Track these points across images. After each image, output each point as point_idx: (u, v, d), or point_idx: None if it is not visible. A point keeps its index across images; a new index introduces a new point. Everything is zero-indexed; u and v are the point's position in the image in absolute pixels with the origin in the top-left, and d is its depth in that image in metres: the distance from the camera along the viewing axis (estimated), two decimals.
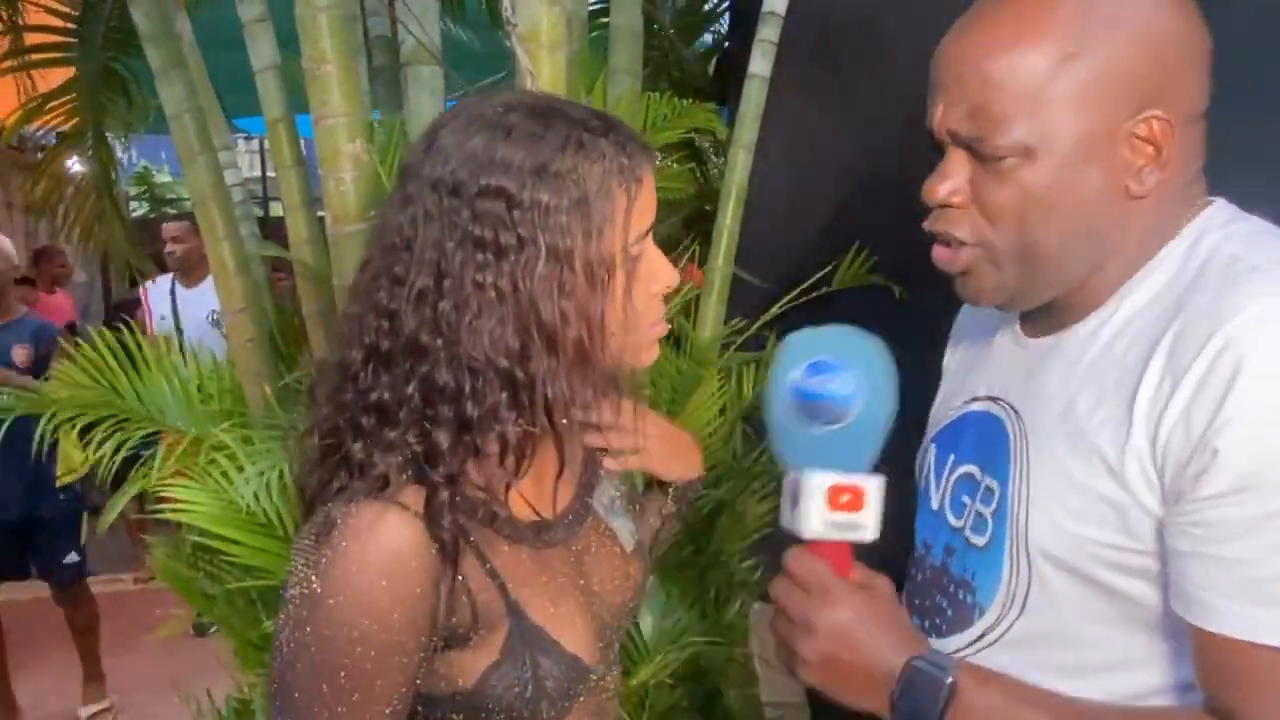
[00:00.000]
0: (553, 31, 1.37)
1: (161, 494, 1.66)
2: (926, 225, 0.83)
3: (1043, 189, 0.76)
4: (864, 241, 1.98)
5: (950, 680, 0.74)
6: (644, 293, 0.81)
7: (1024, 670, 0.79)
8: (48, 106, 2.92)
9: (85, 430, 1.86)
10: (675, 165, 2.16)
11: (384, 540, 0.75)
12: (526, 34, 1.36)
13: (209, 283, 3.80)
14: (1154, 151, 0.75)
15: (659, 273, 0.83)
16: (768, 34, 2.06)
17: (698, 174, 3.03)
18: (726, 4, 3.17)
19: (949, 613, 0.88)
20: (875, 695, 0.77)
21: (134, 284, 6.06)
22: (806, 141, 2.21)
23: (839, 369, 0.78)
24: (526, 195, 0.75)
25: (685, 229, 2.64)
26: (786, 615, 0.79)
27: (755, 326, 2.07)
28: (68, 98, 2.85)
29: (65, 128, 3.05)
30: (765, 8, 2.07)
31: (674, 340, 2.06)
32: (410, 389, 0.77)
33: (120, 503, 1.72)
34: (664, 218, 2.86)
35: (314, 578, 0.75)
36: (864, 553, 0.82)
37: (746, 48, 2.19)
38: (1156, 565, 0.75)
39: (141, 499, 1.78)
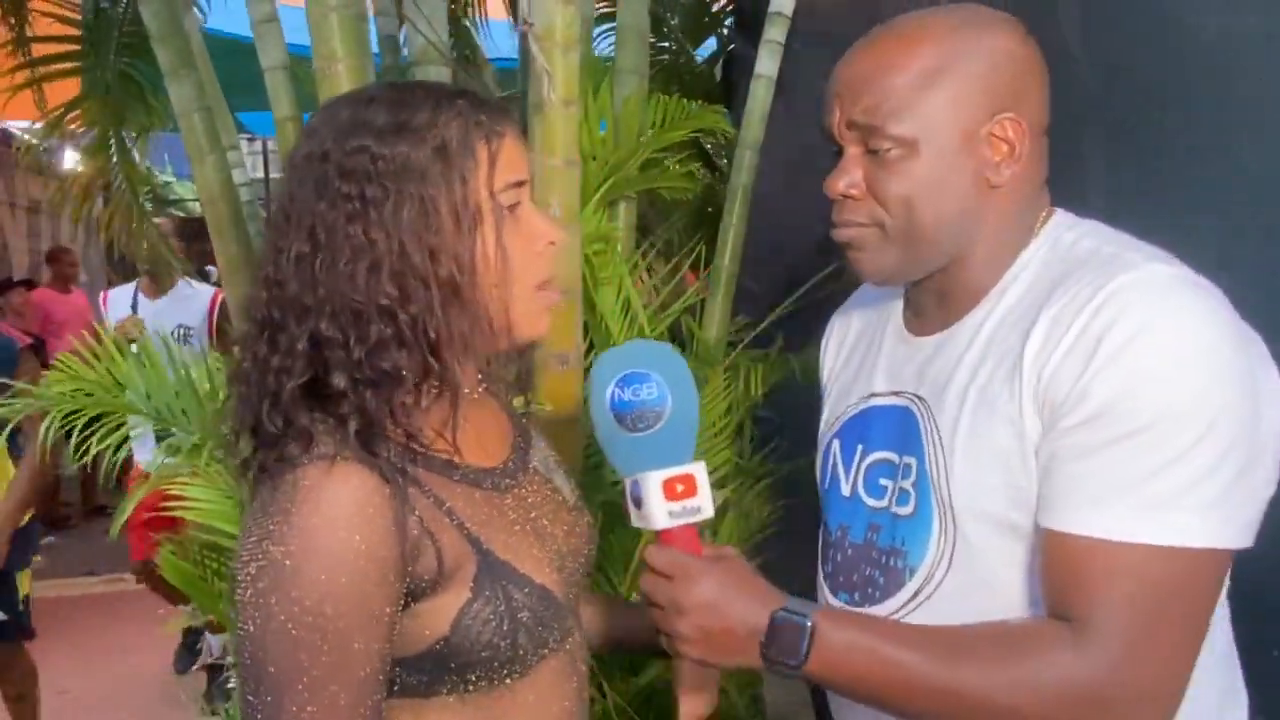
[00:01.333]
0: (568, 31, 1.38)
1: (169, 492, 1.66)
2: (832, 215, 0.96)
3: (924, 177, 0.90)
4: None
5: (809, 624, 0.83)
6: (524, 248, 0.86)
7: (956, 620, 0.87)
8: (69, 116, 2.93)
9: (85, 427, 1.87)
10: (680, 166, 2.16)
11: (337, 492, 0.76)
12: (542, 33, 1.37)
13: (177, 294, 3.77)
14: (1009, 149, 0.90)
15: (538, 229, 0.88)
16: (774, 35, 2.07)
17: (703, 174, 3.03)
18: (733, 5, 3.17)
19: (881, 580, 0.96)
20: (749, 652, 0.85)
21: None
22: (813, 141, 2.21)
23: (647, 378, 0.88)
24: (388, 149, 0.81)
25: (691, 229, 2.64)
26: (657, 604, 0.87)
27: (761, 326, 2.07)
28: (87, 105, 2.85)
29: (79, 130, 3.06)
30: (772, 8, 2.08)
31: (680, 340, 2.07)
32: (301, 347, 0.82)
33: (130, 504, 1.72)
34: (669, 217, 2.86)
35: (270, 546, 0.75)
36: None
37: (753, 48, 2.20)
38: None
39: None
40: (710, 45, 3.38)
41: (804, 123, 2.25)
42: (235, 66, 2.60)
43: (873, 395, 1.02)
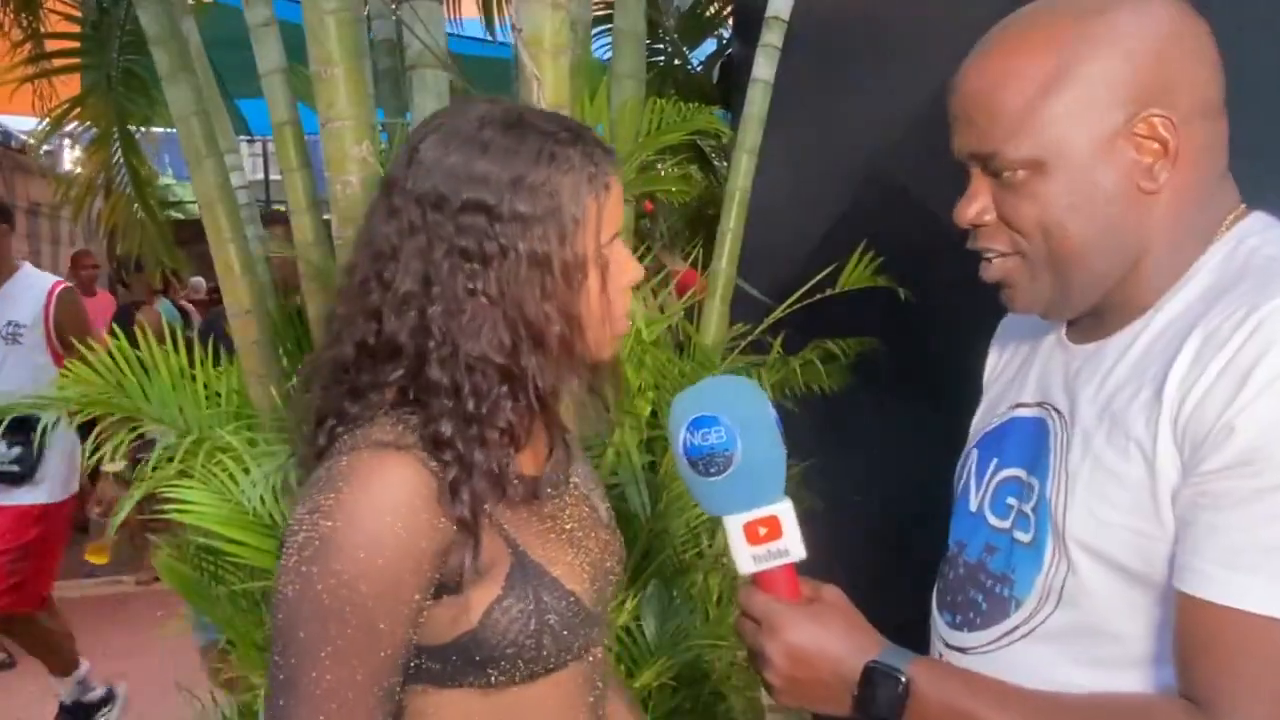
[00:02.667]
0: (556, 36, 1.38)
1: (166, 495, 1.66)
2: (969, 245, 0.89)
3: (1059, 197, 0.81)
4: (867, 244, 1.99)
5: (904, 680, 0.78)
6: (615, 288, 0.89)
7: (1058, 662, 0.82)
8: (71, 113, 2.93)
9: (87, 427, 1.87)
10: (678, 169, 2.16)
11: (389, 479, 0.80)
12: (530, 39, 1.37)
13: (14, 285, 3.22)
14: (1160, 148, 0.79)
15: (627, 269, 0.90)
16: (771, 39, 2.07)
17: (701, 177, 3.04)
18: (730, 8, 3.17)
19: (984, 607, 0.90)
20: (841, 703, 0.81)
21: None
22: (810, 145, 2.22)
23: (715, 421, 0.84)
24: (505, 207, 0.83)
25: (688, 232, 2.65)
26: (750, 649, 0.85)
27: (758, 330, 2.07)
28: (90, 102, 2.86)
29: (81, 129, 3.06)
30: (769, 12, 2.08)
31: (677, 343, 2.07)
32: (392, 379, 0.85)
33: (128, 504, 1.72)
34: (667, 221, 2.87)
35: (320, 520, 0.79)
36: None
37: (750, 52, 2.20)
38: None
39: (142, 501, 1.78)
40: (708, 47, 3.39)
41: (802, 126, 2.26)
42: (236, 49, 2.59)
43: (1019, 405, 0.94)
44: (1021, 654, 0.85)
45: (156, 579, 4.57)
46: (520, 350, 0.84)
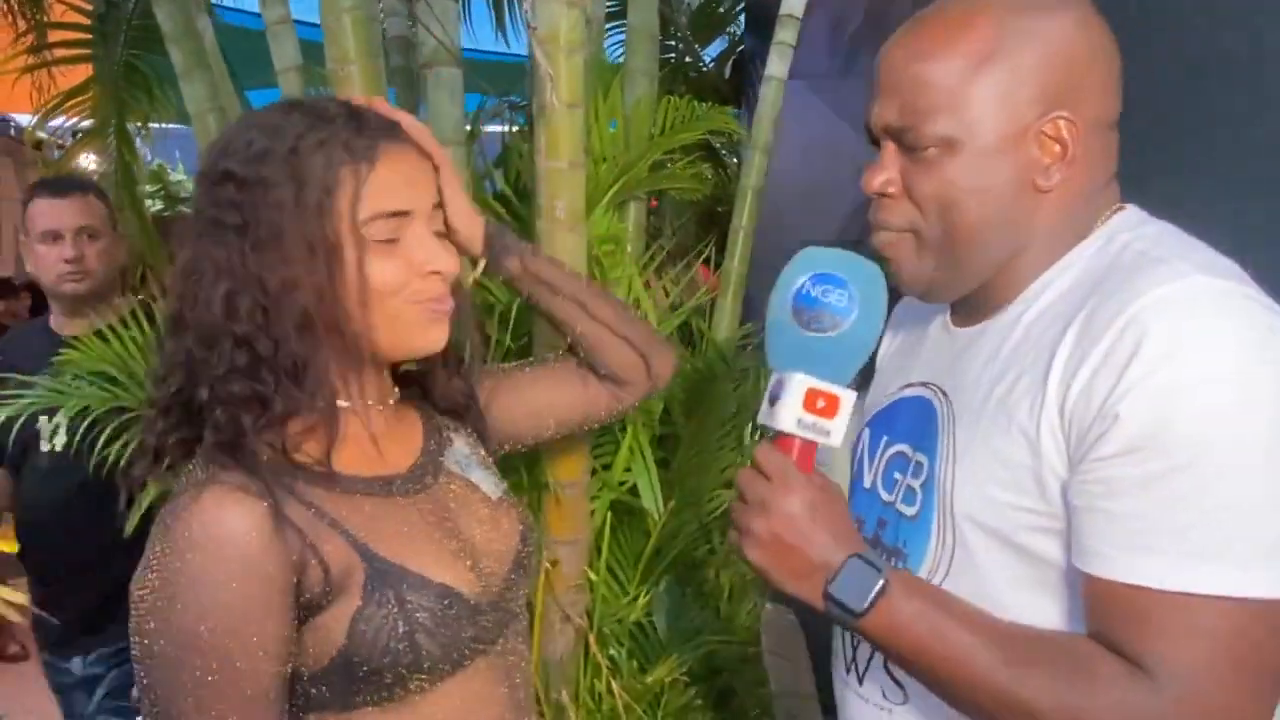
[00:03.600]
0: (571, 34, 1.38)
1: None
2: (869, 215, 0.91)
3: (963, 179, 0.84)
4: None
5: (883, 578, 0.80)
6: (395, 272, 0.85)
7: None
8: (69, 104, 2.95)
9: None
10: (690, 167, 2.17)
11: (208, 517, 0.77)
12: (546, 36, 1.37)
13: None
14: (1060, 150, 0.83)
15: (418, 258, 0.87)
16: (785, 36, 2.07)
17: (712, 175, 3.04)
18: (742, 6, 3.17)
19: None
20: (811, 583, 0.82)
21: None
22: (822, 143, 2.22)
23: (844, 284, 0.84)
24: (250, 175, 0.82)
25: (700, 230, 2.65)
26: (744, 498, 0.84)
27: None
28: (89, 94, 2.87)
29: (85, 124, 3.07)
30: (783, 10, 2.08)
31: (689, 340, 2.07)
32: (179, 360, 0.85)
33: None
34: (679, 218, 2.87)
35: (150, 574, 0.77)
36: None
37: (762, 49, 2.20)
38: (1064, 527, 0.81)
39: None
40: (718, 45, 3.39)
41: (814, 125, 2.26)
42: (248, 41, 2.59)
43: (907, 385, 0.98)
44: None
45: None
46: (267, 323, 0.82)
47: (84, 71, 3.04)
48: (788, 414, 0.83)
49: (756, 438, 2.09)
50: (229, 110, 2.04)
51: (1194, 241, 0.84)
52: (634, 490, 1.76)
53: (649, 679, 1.61)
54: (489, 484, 0.99)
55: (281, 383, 0.83)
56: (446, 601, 0.85)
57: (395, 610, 0.82)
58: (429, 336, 0.89)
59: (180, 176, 8.77)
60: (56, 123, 3.33)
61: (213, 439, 0.82)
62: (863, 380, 0.96)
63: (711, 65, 3.26)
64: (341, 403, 0.89)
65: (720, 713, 1.84)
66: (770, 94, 2.07)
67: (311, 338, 0.83)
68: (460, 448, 1.00)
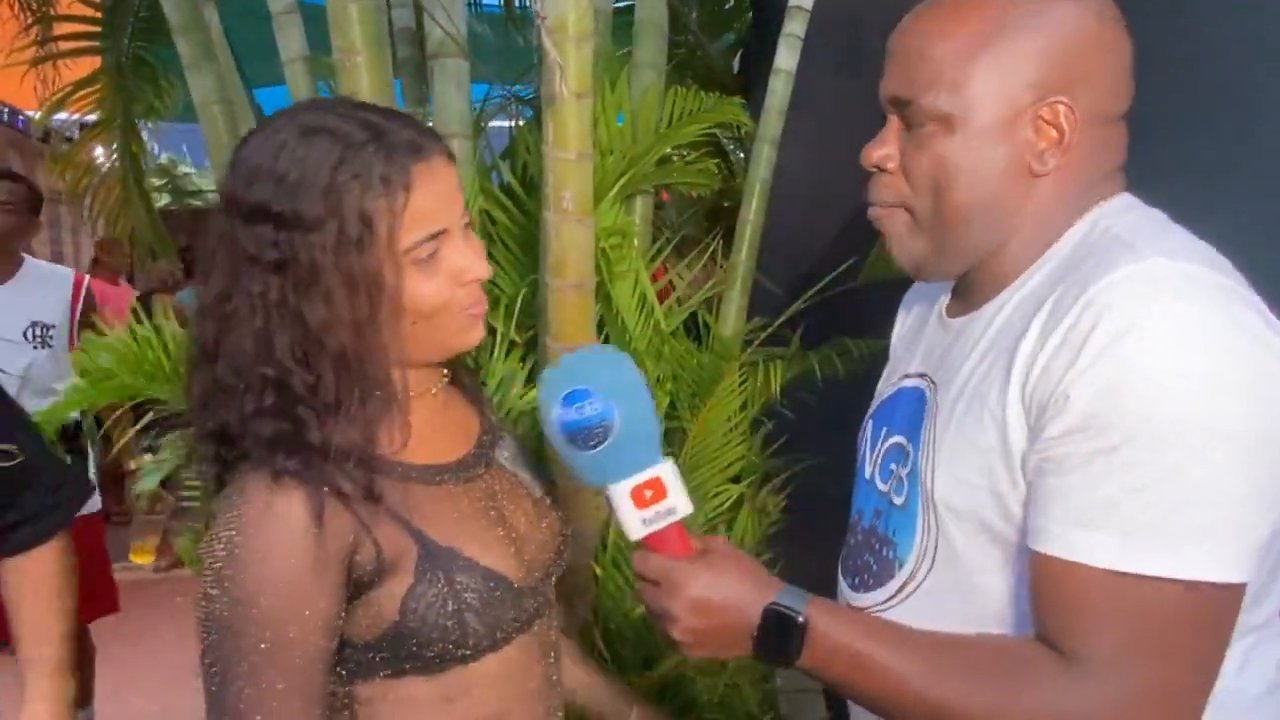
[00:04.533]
0: (580, 24, 1.38)
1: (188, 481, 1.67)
2: (867, 191, 0.91)
3: (956, 157, 0.84)
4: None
5: (801, 620, 0.81)
6: (441, 289, 0.86)
7: (937, 620, 0.84)
8: (76, 96, 2.95)
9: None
10: (698, 160, 2.16)
11: (273, 498, 0.81)
12: (555, 26, 1.36)
13: (26, 280, 2.77)
14: (1056, 135, 0.83)
15: (458, 268, 0.87)
16: (794, 28, 2.06)
17: (720, 169, 3.03)
18: None
19: (875, 569, 0.94)
20: (744, 646, 0.83)
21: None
22: (831, 135, 2.20)
23: (588, 394, 0.84)
24: (286, 211, 0.81)
25: (706, 224, 2.64)
26: (652, 612, 0.86)
27: (778, 323, 2.07)
28: (96, 86, 2.87)
29: (93, 116, 3.07)
30: (792, 2, 2.07)
31: (696, 335, 2.07)
32: (213, 390, 0.85)
33: (153, 481, 1.73)
34: (686, 212, 2.86)
35: (216, 547, 0.82)
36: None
37: (770, 42, 2.19)
38: None
39: (164, 486, 1.79)
40: (726, 38, 3.37)
41: (823, 118, 2.24)
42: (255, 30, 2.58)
43: (906, 376, 0.98)
44: (907, 613, 0.87)
45: (175, 565, 4.64)
46: (309, 358, 0.83)
47: (91, 65, 3.04)
48: (632, 521, 0.85)
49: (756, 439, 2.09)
50: (235, 102, 2.03)
51: (1174, 228, 0.83)
52: None
53: (653, 674, 1.60)
54: (535, 484, 1.02)
55: (319, 412, 0.85)
56: (492, 584, 0.89)
57: (445, 590, 0.86)
58: (468, 338, 0.91)
59: (188, 170, 8.80)
60: (64, 116, 3.33)
61: (270, 433, 0.83)
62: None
63: (720, 57, 3.24)
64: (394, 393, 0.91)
65: (726, 708, 1.83)
66: (779, 86, 2.06)
67: (347, 372, 0.85)
68: (511, 444, 1.04)
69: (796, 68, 2.07)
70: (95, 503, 2.74)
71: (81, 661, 2.94)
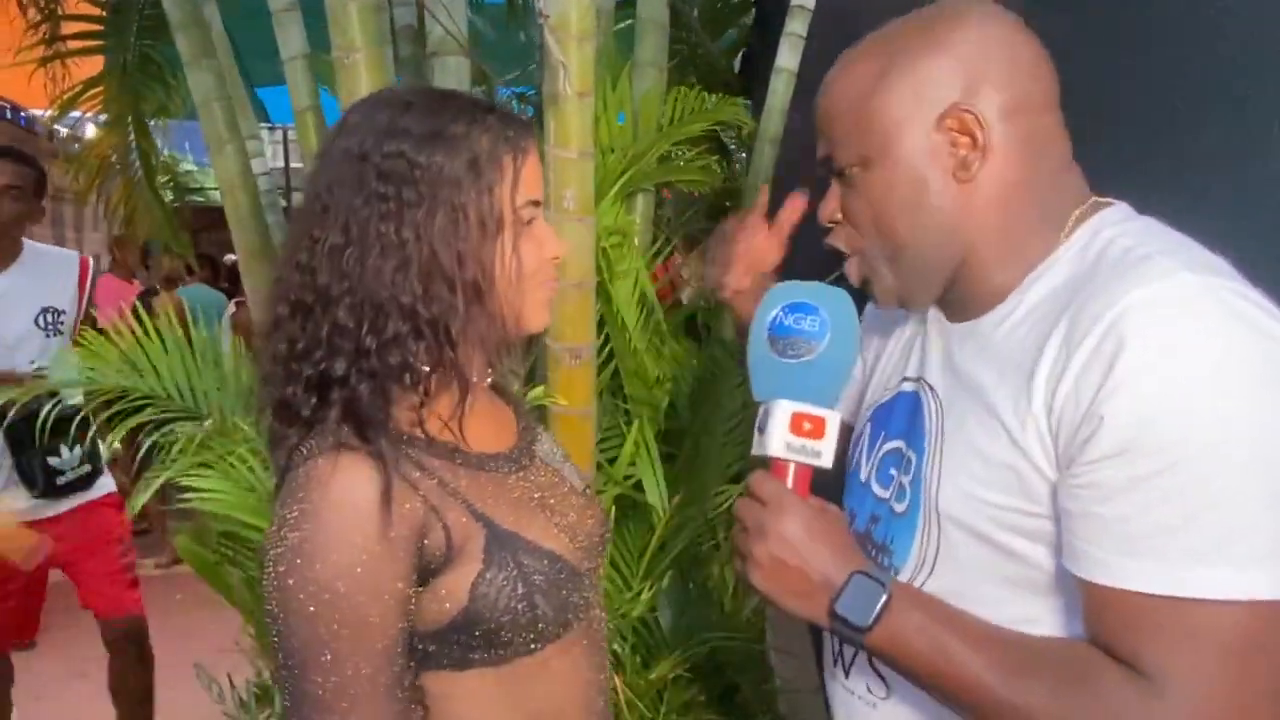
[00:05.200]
0: (583, 22, 1.37)
1: (185, 482, 1.67)
2: (825, 243, 0.95)
3: (885, 191, 0.87)
4: None
5: (886, 592, 0.81)
6: (534, 254, 0.92)
7: None
8: (85, 96, 2.95)
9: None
10: (699, 159, 2.15)
11: (344, 480, 0.82)
12: (557, 24, 1.36)
13: (30, 264, 2.59)
14: (969, 141, 0.85)
15: (548, 241, 0.95)
16: (796, 27, 2.05)
17: (721, 168, 3.02)
18: None
19: None
20: (815, 602, 0.83)
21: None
22: None
23: (814, 310, 0.88)
24: (424, 157, 0.87)
25: (710, 224, 2.63)
26: (743, 526, 0.86)
27: None
28: (104, 85, 2.88)
29: (102, 116, 3.08)
30: (794, 1, 2.06)
31: (696, 335, 2.06)
32: (324, 334, 0.87)
33: (151, 487, 1.72)
34: (686, 211, 2.85)
35: (287, 533, 0.81)
36: None
37: (771, 41, 2.18)
38: (1050, 527, 0.80)
39: (163, 486, 1.79)
40: (728, 37, 3.37)
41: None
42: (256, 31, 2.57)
43: (904, 380, 0.99)
44: None
45: (175, 562, 4.64)
46: (431, 295, 0.87)
47: (99, 63, 3.04)
48: (776, 439, 0.86)
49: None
50: (235, 99, 2.03)
51: (1180, 237, 0.82)
52: (639, 485, 1.76)
53: (652, 675, 1.60)
54: (575, 477, 1.05)
55: (433, 352, 0.88)
56: (557, 566, 0.91)
57: (515, 573, 0.88)
58: (545, 316, 0.96)
59: (190, 167, 8.80)
60: (73, 114, 3.33)
61: (345, 410, 0.86)
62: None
63: (721, 55, 3.23)
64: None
65: (724, 708, 1.83)
66: (780, 86, 2.05)
67: (476, 309, 0.89)
68: (547, 441, 1.07)
69: (799, 66, 2.06)
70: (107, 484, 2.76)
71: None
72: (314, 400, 0.87)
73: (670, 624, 1.70)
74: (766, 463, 0.88)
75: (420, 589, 0.85)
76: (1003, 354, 0.85)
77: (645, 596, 1.67)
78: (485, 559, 0.87)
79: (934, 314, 0.98)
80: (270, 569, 0.82)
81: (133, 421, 1.79)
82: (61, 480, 2.57)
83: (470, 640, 0.87)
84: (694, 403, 1.92)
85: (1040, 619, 0.82)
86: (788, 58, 2.05)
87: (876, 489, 0.97)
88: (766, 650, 1.98)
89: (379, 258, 0.86)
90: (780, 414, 0.86)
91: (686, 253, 2.40)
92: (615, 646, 1.63)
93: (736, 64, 3.38)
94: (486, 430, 0.97)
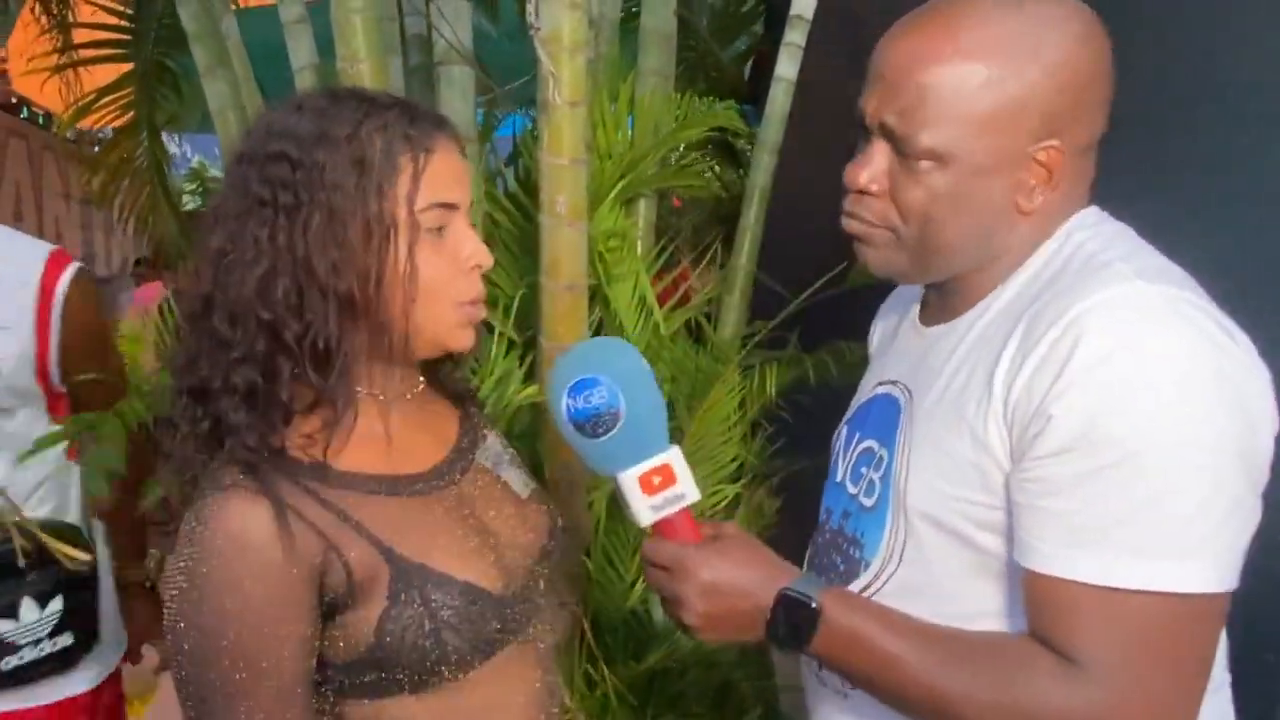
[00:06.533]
0: (574, 35, 1.42)
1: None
2: (844, 205, 0.91)
3: (949, 194, 0.84)
4: None
5: (815, 605, 0.82)
6: (440, 264, 0.85)
7: None
8: (101, 102, 3.03)
9: None
10: (702, 164, 2.19)
11: (231, 523, 0.79)
12: (549, 37, 1.41)
13: None
14: (1046, 175, 0.84)
15: (465, 251, 0.87)
16: (794, 37, 2.09)
17: (734, 175, 3.05)
18: (763, 6, 3.19)
19: (841, 568, 0.96)
20: (756, 629, 0.85)
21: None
22: (833, 142, 2.22)
23: (596, 382, 0.86)
24: (305, 157, 0.81)
25: (708, 228, 2.67)
26: (662, 596, 0.88)
27: (773, 324, 2.10)
28: (121, 93, 2.96)
29: (119, 123, 3.16)
30: (792, 11, 2.10)
31: (694, 337, 2.10)
32: (204, 344, 0.84)
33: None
34: (697, 217, 2.88)
35: (178, 576, 0.80)
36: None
37: (779, 49, 2.21)
38: (1008, 520, 0.83)
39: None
40: (741, 45, 3.40)
41: (824, 125, 2.26)
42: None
43: (880, 383, 1.00)
44: None
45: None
46: (303, 306, 0.81)
47: (115, 71, 3.12)
48: (641, 508, 0.87)
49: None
50: (250, 109, 2.09)
51: (1145, 245, 0.86)
52: None
53: (642, 666, 1.64)
54: (518, 482, 1.00)
55: (303, 371, 0.83)
56: (470, 598, 0.86)
57: (421, 610, 0.83)
58: (462, 338, 0.90)
59: (217, 173, 8.94)
60: (90, 123, 3.42)
61: (232, 442, 0.82)
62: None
63: (732, 66, 3.27)
64: (365, 391, 0.89)
65: (719, 704, 1.86)
66: (779, 95, 2.09)
67: (350, 323, 0.83)
68: (493, 444, 1.01)
69: (800, 76, 2.09)
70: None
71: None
72: (196, 412, 0.84)
73: (661, 616, 1.74)
74: (649, 529, 0.89)
75: (327, 623, 0.83)
76: (970, 354, 0.87)
77: (637, 589, 1.70)
78: (390, 596, 0.83)
79: (909, 318, 1.02)
80: (165, 611, 0.80)
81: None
82: (13, 663, 1.47)
83: (381, 673, 0.85)
84: (691, 404, 1.95)
85: (1001, 612, 0.85)
86: (786, 67, 2.09)
87: (850, 487, 0.99)
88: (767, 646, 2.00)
89: (250, 265, 0.81)
90: (629, 485, 0.86)
91: (690, 258, 2.44)
92: (607, 638, 1.67)
93: (746, 72, 3.41)
94: (411, 446, 0.92)
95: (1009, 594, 0.85)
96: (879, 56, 0.87)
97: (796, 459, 2.15)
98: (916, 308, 1.01)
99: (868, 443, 0.98)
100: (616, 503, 1.76)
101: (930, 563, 0.88)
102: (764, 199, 2.11)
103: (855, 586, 0.93)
